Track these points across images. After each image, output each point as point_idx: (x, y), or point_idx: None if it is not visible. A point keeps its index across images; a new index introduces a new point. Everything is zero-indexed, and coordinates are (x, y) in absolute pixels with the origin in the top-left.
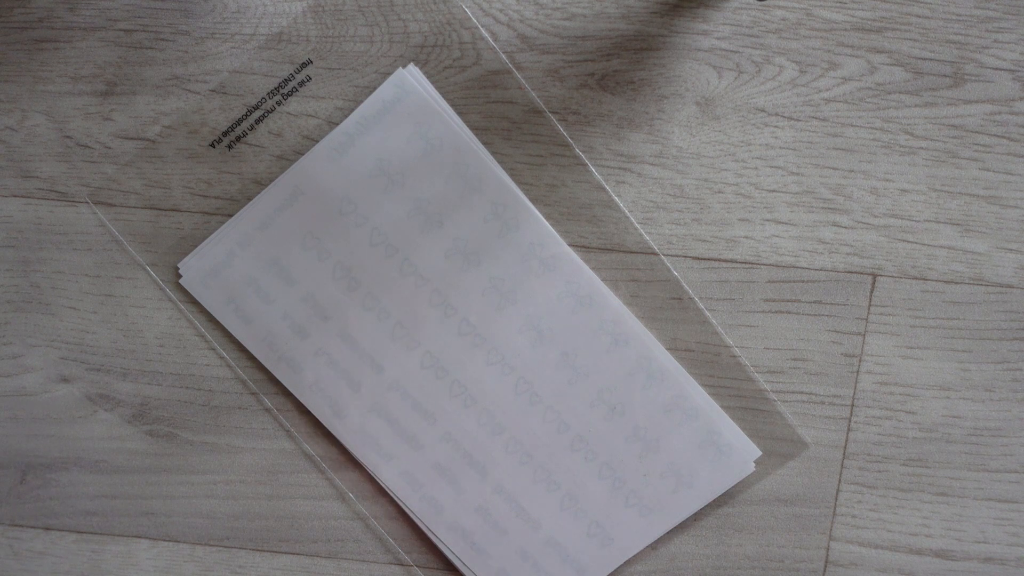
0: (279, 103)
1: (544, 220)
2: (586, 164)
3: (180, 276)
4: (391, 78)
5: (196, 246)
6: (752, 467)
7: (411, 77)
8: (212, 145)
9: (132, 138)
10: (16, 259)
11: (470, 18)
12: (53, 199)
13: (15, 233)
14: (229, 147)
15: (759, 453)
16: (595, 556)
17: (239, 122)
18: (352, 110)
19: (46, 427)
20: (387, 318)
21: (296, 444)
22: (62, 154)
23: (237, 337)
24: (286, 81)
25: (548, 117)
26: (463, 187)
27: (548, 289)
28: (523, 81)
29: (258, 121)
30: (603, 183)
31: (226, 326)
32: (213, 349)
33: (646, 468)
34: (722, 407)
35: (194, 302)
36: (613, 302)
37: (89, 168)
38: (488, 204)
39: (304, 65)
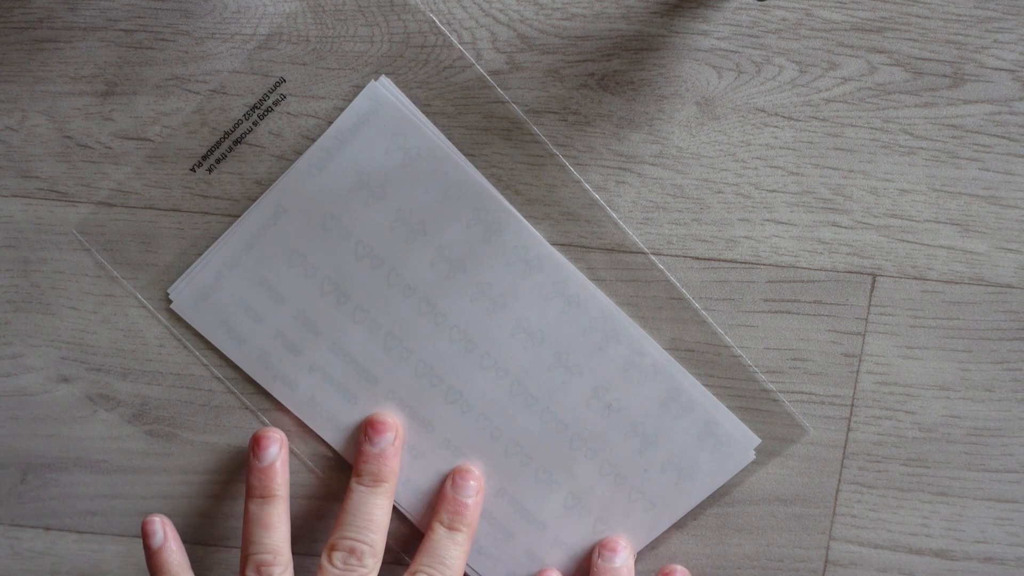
0: (256, 123)
1: (526, 222)
2: (567, 167)
3: (171, 301)
4: (364, 91)
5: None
6: (752, 455)
7: (384, 89)
8: (192, 170)
9: (132, 138)
10: (16, 259)
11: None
12: (53, 199)
13: (15, 233)
14: (209, 170)
15: (758, 441)
16: None
17: (218, 144)
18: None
19: (46, 427)
20: (378, 330)
21: (295, 448)
22: (62, 154)
23: (231, 358)
24: (262, 100)
25: (519, 115)
26: (443, 195)
27: (536, 290)
28: (493, 83)
29: (236, 143)
30: (585, 185)
31: (219, 348)
32: (208, 368)
33: (646, 463)
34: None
35: (187, 324)
36: (602, 300)
37: (89, 168)
38: (470, 210)
39: (279, 83)
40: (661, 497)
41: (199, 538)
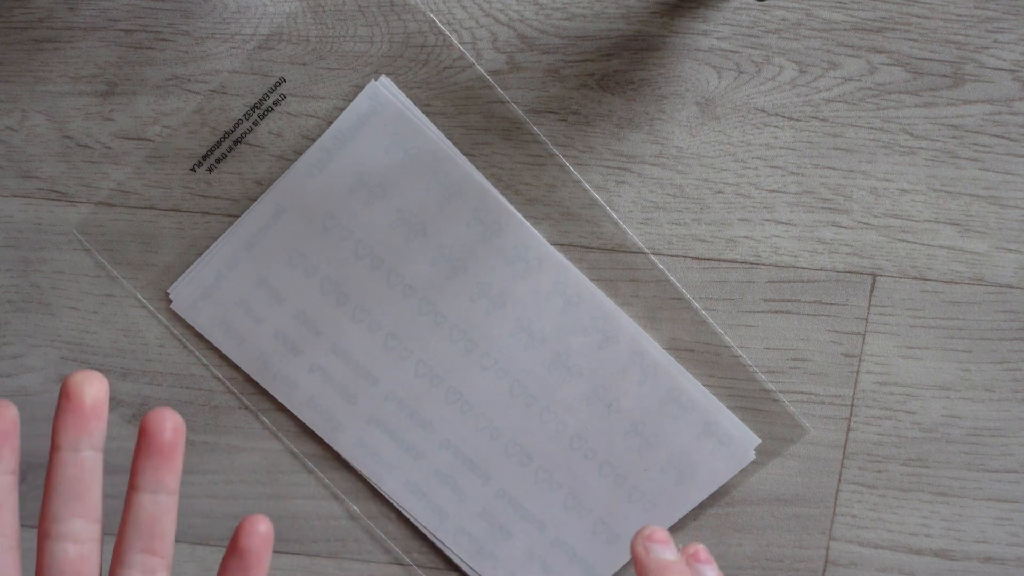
0: (256, 123)
1: (526, 222)
2: (567, 167)
3: (171, 301)
4: (364, 91)
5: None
6: (752, 455)
7: (384, 89)
8: (192, 170)
9: (132, 138)
10: (16, 259)
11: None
12: (53, 199)
13: (15, 233)
14: (209, 170)
15: (758, 441)
16: (602, 553)
17: (218, 144)
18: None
19: (46, 427)
20: (378, 329)
21: (295, 449)
22: (62, 154)
23: (231, 357)
24: (262, 100)
25: (518, 114)
26: (443, 194)
27: (536, 290)
28: (494, 83)
29: (236, 143)
30: (586, 185)
31: (219, 347)
32: (208, 368)
33: (646, 463)
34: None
35: (187, 324)
36: (602, 300)
37: (89, 168)
38: (470, 210)
39: (279, 83)
40: (661, 497)
41: (200, 538)
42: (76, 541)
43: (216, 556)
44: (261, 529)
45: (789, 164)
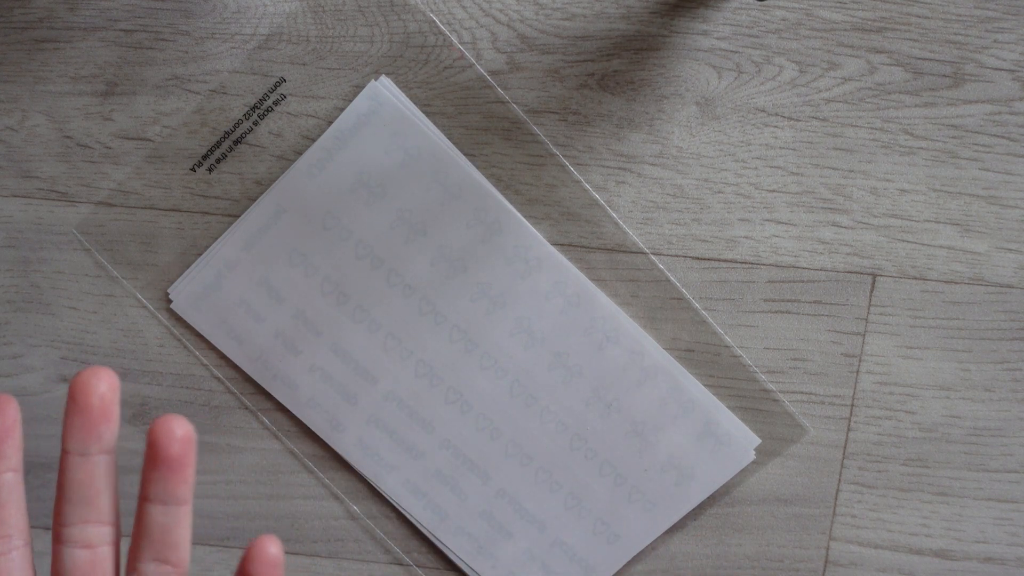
0: (256, 123)
1: (527, 222)
2: (567, 167)
3: (171, 301)
4: (364, 91)
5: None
6: (752, 455)
7: (384, 89)
8: (192, 169)
9: (132, 138)
10: (16, 259)
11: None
12: (53, 199)
13: (15, 233)
14: (209, 170)
15: (758, 441)
16: (602, 554)
17: (218, 144)
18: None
19: (46, 427)
20: (378, 330)
21: (295, 449)
22: (62, 154)
23: (231, 357)
24: (262, 100)
25: (520, 116)
26: (444, 195)
27: (536, 290)
28: (494, 83)
29: (236, 143)
30: (585, 185)
31: (219, 347)
32: (208, 368)
33: (646, 463)
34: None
35: (187, 324)
36: (602, 300)
37: (89, 168)
38: (470, 210)
39: (279, 83)
40: (661, 498)
41: (199, 538)
42: (87, 546)
43: (217, 556)
44: (272, 551)
45: (789, 164)
